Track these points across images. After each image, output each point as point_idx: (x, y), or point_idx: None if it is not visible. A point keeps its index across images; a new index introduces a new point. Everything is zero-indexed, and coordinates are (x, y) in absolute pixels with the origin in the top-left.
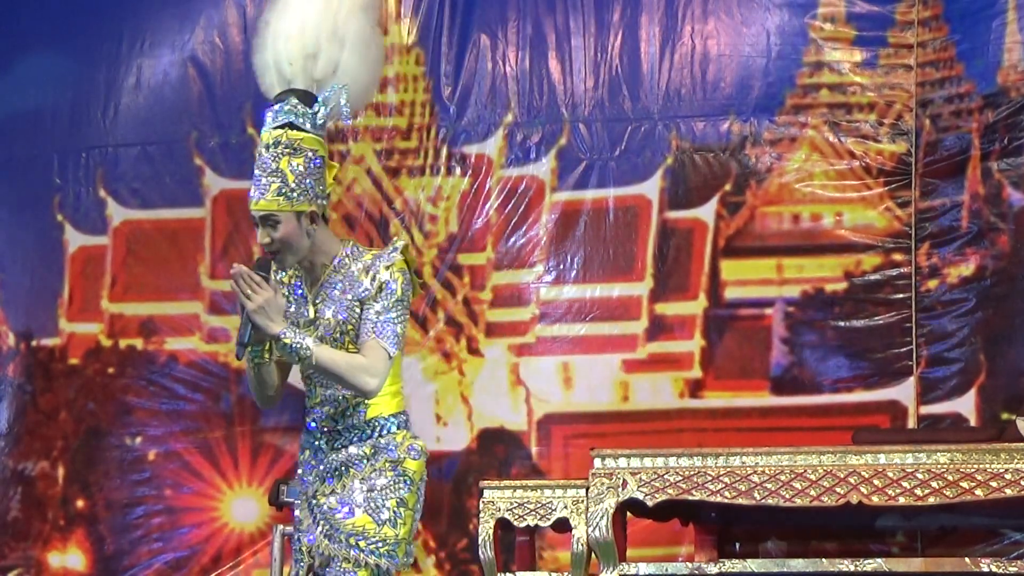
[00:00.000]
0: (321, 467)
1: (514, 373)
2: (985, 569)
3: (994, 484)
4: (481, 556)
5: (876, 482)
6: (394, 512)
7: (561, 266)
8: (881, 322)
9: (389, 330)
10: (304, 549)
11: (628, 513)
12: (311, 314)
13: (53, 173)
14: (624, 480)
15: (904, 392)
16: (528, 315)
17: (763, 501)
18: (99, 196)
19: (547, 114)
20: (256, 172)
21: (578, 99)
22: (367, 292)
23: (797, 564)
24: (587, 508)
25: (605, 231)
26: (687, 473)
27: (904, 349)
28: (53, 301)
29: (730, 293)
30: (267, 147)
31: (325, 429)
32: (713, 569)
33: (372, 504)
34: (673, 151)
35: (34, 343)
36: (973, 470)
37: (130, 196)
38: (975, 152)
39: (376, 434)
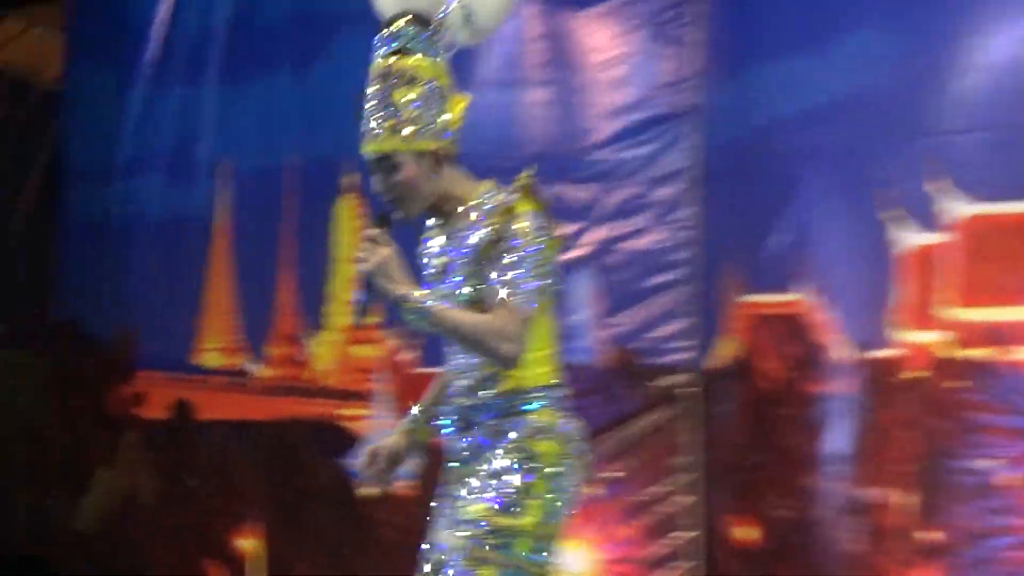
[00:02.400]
0: (452, 451)
1: None
2: None
3: None
4: None
5: None
6: (514, 499)
7: None
8: None
9: (520, 286)
10: (428, 546)
11: None
12: (438, 268)
13: (876, 163)
14: None
15: None
16: None
17: None
18: (933, 189)
19: None
20: (365, 110)
21: None
22: (483, 242)
23: None
24: None
25: None
26: None
27: None
28: (883, 308)
29: None
30: (376, 80)
31: (457, 405)
32: None
33: (491, 490)
34: None
35: (867, 355)
36: None
37: (974, 188)
38: None
39: (509, 411)
